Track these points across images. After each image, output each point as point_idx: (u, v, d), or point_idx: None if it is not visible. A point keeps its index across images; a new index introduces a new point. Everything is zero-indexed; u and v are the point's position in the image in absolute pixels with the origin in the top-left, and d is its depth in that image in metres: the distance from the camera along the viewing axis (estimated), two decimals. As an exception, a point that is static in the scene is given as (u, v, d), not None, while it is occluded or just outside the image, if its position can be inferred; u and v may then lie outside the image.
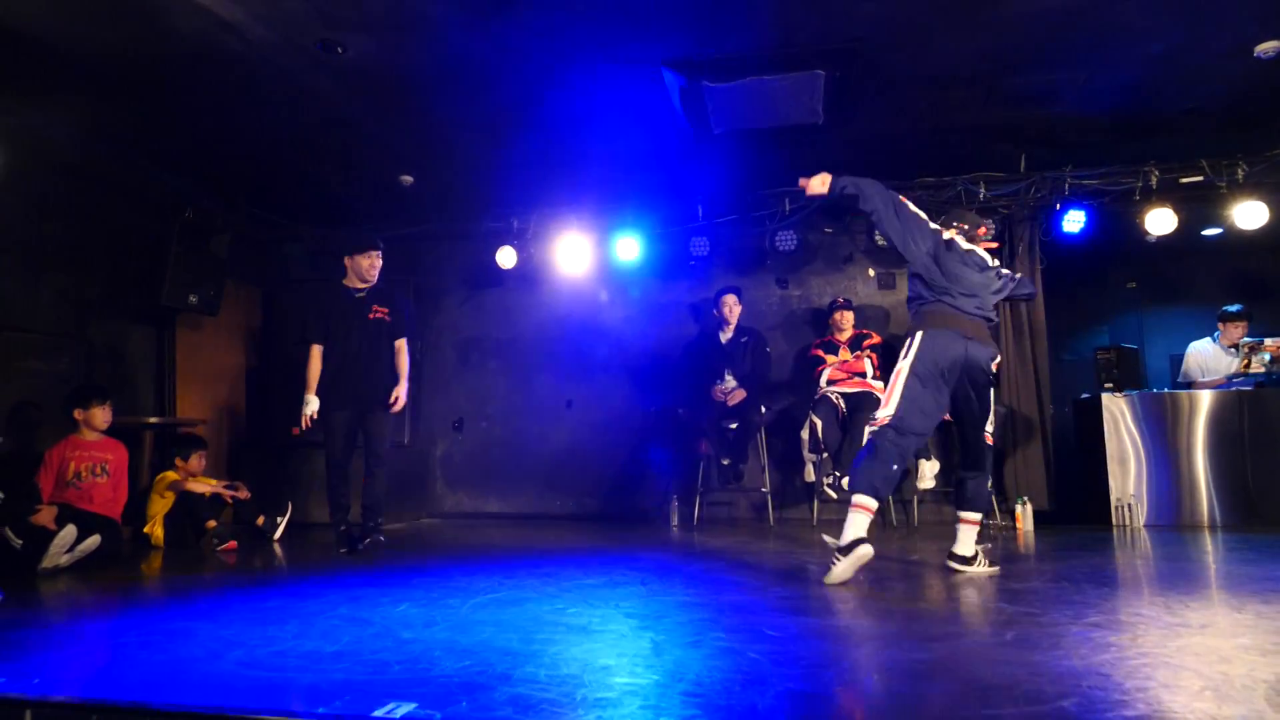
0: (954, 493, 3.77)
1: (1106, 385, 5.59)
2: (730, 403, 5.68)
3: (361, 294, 4.56)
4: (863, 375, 5.67)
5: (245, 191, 6.08)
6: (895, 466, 3.32)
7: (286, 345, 6.24)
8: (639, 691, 1.85)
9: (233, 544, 4.76)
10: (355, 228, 4.76)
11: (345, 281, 4.59)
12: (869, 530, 3.30)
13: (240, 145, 5.22)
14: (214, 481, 5.14)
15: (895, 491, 5.80)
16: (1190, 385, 5.80)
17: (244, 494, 5.13)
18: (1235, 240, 5.98)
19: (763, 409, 5.77)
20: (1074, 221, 5.64)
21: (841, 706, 1.82)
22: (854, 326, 5.88)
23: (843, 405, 5.56)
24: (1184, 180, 5.55)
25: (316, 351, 4.47)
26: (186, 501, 4.89)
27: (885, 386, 3.45)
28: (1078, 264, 6.32)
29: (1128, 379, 5.61)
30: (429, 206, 6.40)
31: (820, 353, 5.87)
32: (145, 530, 4.92)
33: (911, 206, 3.51)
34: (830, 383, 5.70)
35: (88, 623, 2.92)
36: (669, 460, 6.41)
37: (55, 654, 2.34)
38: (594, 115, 4.84)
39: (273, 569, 4.18)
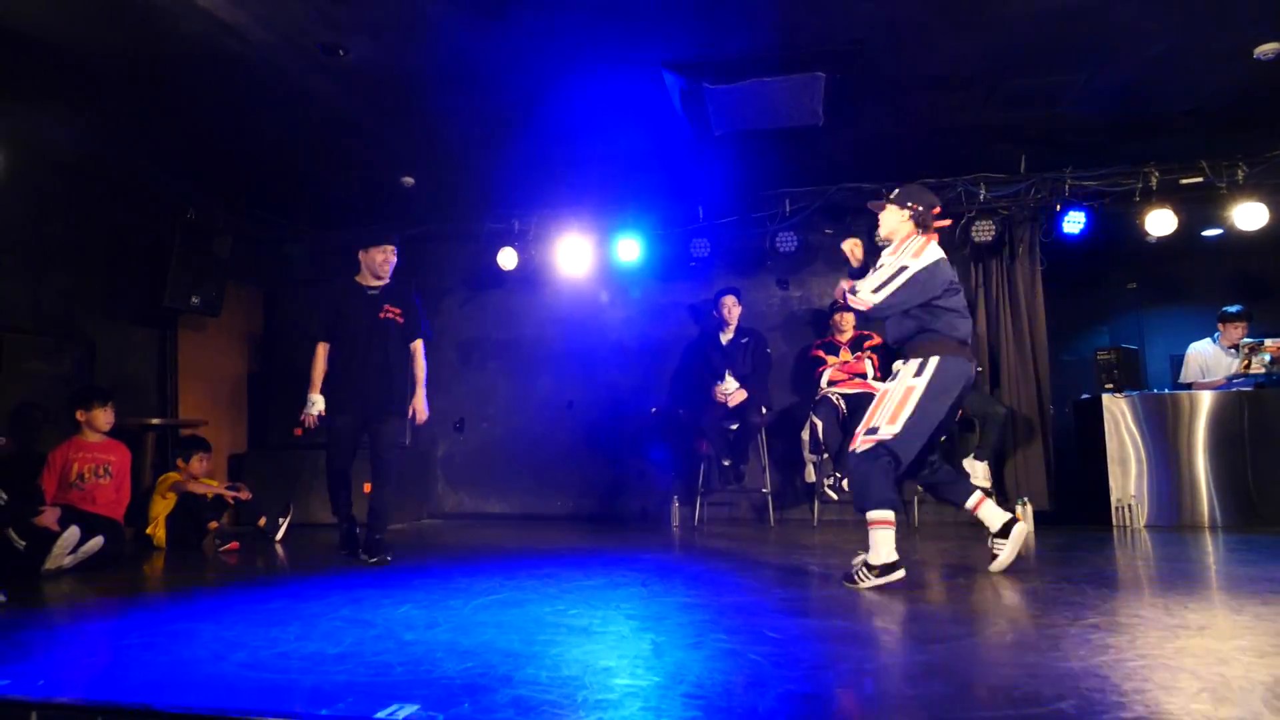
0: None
1: (1107, 386, 5.60)
2: (731, 404, 5.69)
3: (374, 292, 4.34)
4: (863, 376, 5.68)
5: (247, 193, 6.09)
6: (894, 481, 3.26)
7: (288, 346, 6.26)
8: (640, 693, 1.86)
9: (235, 545, 4.77)
10: (368, 222, 4.54)
11: (358, 278, 4.36)
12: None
13: (242, 147, 5.23)
14: (216, 483, 5.16)
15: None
16: (1190, 386, 5.81)
17: (245, 495, 5.15)
18: (1235, 241, 5.99)
19: (763, 410, 5.78)
20: (1074, 222, 5.65)
21: (841, 708, 1.83)
22: (855, 327, 5.89)
23: (843, 406, 5.57)
24: (1184, 181, 5.57)
25: (322, 349, 4.25)
26: (189, 502, 4.90)
27: (884, 388, 3.38)
28: (1078, 265, 6.32)
29: (1128, 380, 5.62)
30: (430, 208, 6.41)
31: (821, 353, 5.88)
32: (147, 531, 4.93)
33: (914, 271, 3.28)
34: (831, 383, 5.70)
35: (91, 624, 2.93)
36: (670, 461, 6.42)
37: (59, 655, 2.35)
38: (595, 117, 4.85)
39: (275, 570, 4.20)
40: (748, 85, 4.33)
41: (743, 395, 5.68)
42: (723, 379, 5.75)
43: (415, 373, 4.38)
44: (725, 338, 5.95)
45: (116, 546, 4.21)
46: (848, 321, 5.86)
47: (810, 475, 5.70)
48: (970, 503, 3.50)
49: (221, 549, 4.71)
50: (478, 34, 3.89)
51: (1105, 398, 5.55)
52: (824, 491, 5.42)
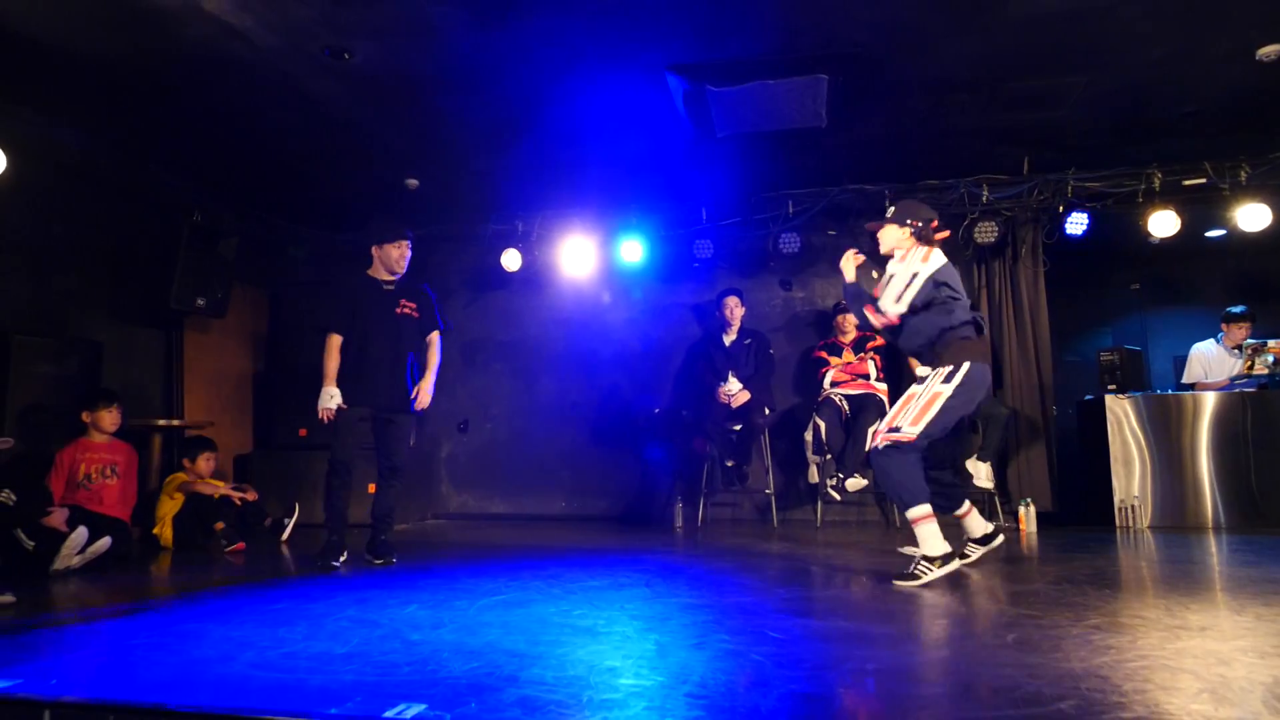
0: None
1: (1110, 387, 5.61)
2: (734, 404, 5.71)
3: (390, 286, 4.25)
4: (866, 377, 5.70)
5: (252, 195, 6.12)
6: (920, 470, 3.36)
7: (294, 348, 6.29)
8: (644, 693, 1.88)
9: (241, 545, 4.80)
10: (378, 221, 4.41)
11: (370, 272, 4.28)
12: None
13: (248, 150, 5.26)
14: (222, 483, 5.19)
15: (898, 493, 5.86)
16: (1193, 387, 5.81)
17: (251, 495, 5.18)
18: (1238, 242, 5.99)
19: (766, 410, 5.80)
20: (1077, 224, 5.66)
21: (843, 708, 1.84)
22: (857, 328, 5.90)
23: (846, 407, 5.59)
24: (1187, 182, 5.57)
25: (336, 342, 4.11)
26: (195, 503, 4.93)
27: (911, 390, 3.41)
28: (1081, 266, 6.33)
29: (1131, 381, 5.63)
30: (434, 209, 6.43)
31: (824, 354, 5.89)
32: (154, 531, 4.96)
33: (924, 277, 3.40)
34: (834, 384, 5.72)
35: (101, 624, 2.96)
36: (673, 462, 6.44)
37: (70, 655, 2.38)
38: (598, 119, 4.87)
39: (281, 570, 4.22)
40: (751, 87, 4.34)
41: (746, 396, 5.69)
42: (726, 380, 5.77)
43: (429, 360, 4.31)
44: (728, 339, 5.97)
45: (124, 547, 4.24)
46: (850, 323, 5.87)
47: (813, 476, 5.71)
48: (960, 510, 3.66)
49: (228, 549, 4.74)
50: (482, 37, 3.91)
51: (1108, 398, 5.56)
52: (827, 492, 5.44)
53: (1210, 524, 5.32)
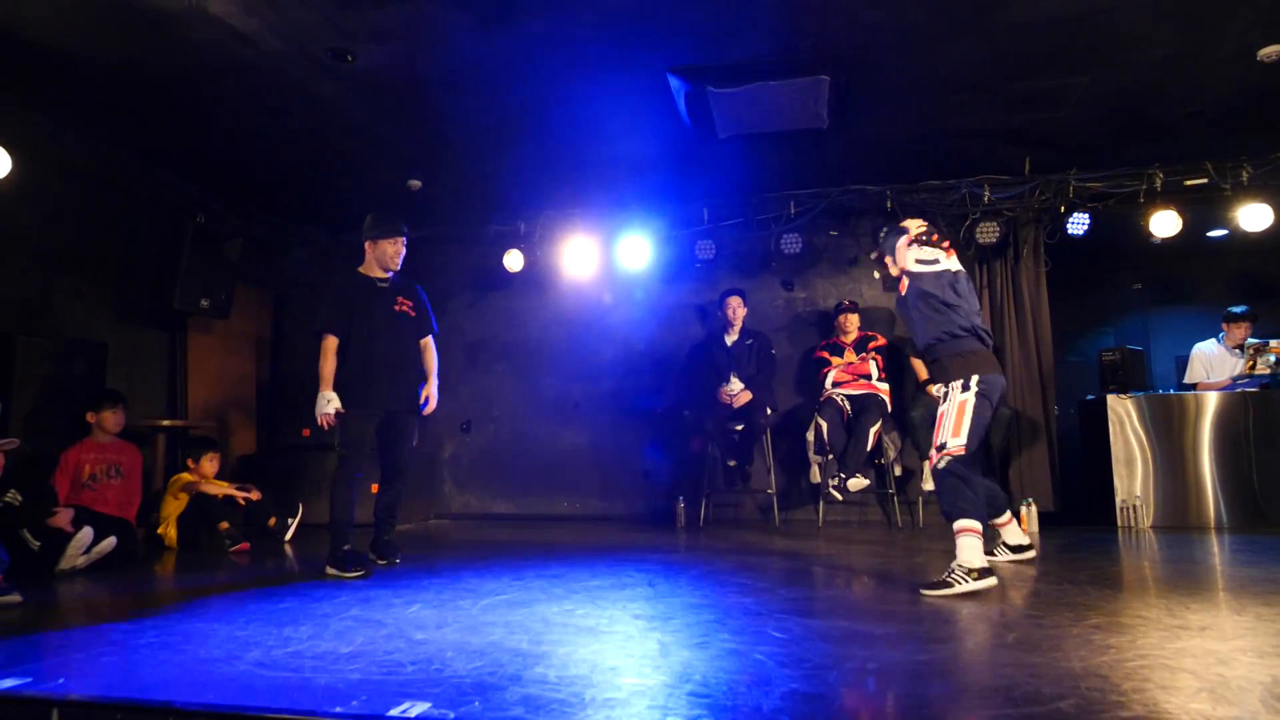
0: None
1: (1111, 387, 5.62)
2: (736, 405, 5.72)
3: (384, 284, 4.09)
4: (868, 377, 5.71)
5: (256, 197, 6.14)
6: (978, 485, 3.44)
7: (298, 348, 6.30)
8: (646, 692, 1.90)
9: (245, 545, 4.82)
10: (377, 211, 4.23)
11: (363, 270, 4.11)
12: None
13: (251, 151, 5.28)
14: (226, 484, 5.21)
15: (901, 493, 5.90)
16: (1195, 387, 5.82)
17: (255, 495, 5.20)
18: (1240, 242, 6.00)
19: (768, 411, 5.81)
20: (1078, 224, 5.66)
21: (844, 707, 1.86)
22: (859, 328, 5.91)
23: (848, 407, 5.60)
24: (1188, 183, 5.57)
25: (332, 344, 3.93)
26: (199, 503, 4.95)
27: (940, 410, 3.45)
28: (1083, 266, 6.34)
29: (1132, 381, 5.63)
30: (437, 210, 6.45)
31: (825, 355, 5.91)
32: (159, 532, 4.98)
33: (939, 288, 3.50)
34: (835, 384, 5.73)
35: (107, 624, 2.98)
36: (675, 462, 6.46)
37: (77, 654, 2.40)
38: (600, 120, 4.88)
39: (285, 570, 4.24)
40: (752, 89, 4.36)
41: (747, 396, 5.71)
42: (727, 380, 5.78)
43: (428, 364, 4.22)
44: (730, 339, 5.98)
45: (129, 547, 4.26)
46: (852, 323, 5.89)
47: (815, 476, 5.73)
48: (1000, 519, 3.85)
49: (232, 549, 4.76)
50: (485, 39, 3.93)
51: (1110, 398, 5.57)
52: (829, 492, 5.45)
53: (1212, 524, 5.33)
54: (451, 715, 1.71)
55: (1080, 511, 5.79)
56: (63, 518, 4.02)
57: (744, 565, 3.98)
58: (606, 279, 6.64)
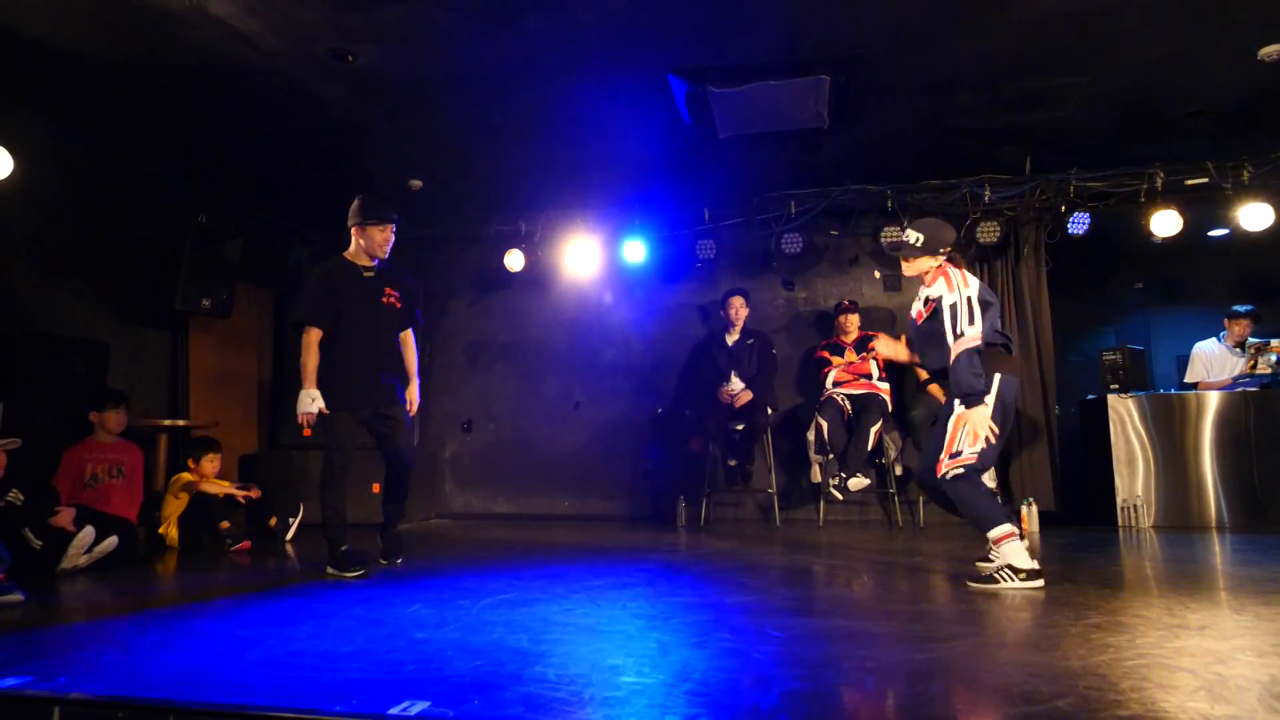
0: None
1: (1112, 386, 5.61)
2: (736, 404, 5.72)
3: (370, 273, 3.89)
4: (869, 377, 5.71)
5: (257, 196, 6.15)
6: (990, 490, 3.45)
7: (298, 347, 6.30)
8: (645, 691, 1.90)
9: (247, 544, 4.83)
10: (366, 196, 4.02)
11: (348, 256, 3.90)
12: None
13: (253, 151, 5.29)
14: (227, 483, 5.21)
15: (902, 492, 5.90)
16: (1196, 386, 5.82)
17: (256, 495, 5.21)
18: (1242, 241, 5.99)
19: (769, 410, 5.81)
20: (1079, 223, 5.66)
21: (842, 706, 1.86)
22: (859, 328, 5.91)
23: (848, 407, 5.60)
24: (1189, 182, 5.57)
25: (315, 336, 3.72)
26: (200, 503, 4.96)
27: (958, 412, 3.37)
28: (1083, 265, 6.33)
29: (1133, 380, 5.63)
30: (437, 210, 6.46)
31: (826, 354, 5.91)
32: (160, 531, 4.99)
33: (975, 297, 3.41)
34: (836, 384, 5.74)
35: (108, 622, 2.99)
36: (676, 461, 6.46)
37: (79, 653, 2.40)
38: (601, 120, 4.89)
39: (286, 570, 4.25)
40: (753, 88, 4.36)
41: (748, 396, 5.71)
42: (728, 380, 5.79)
43: (408, 360, 4.00)
44: (731, 339, 5.98)
45: (130, 546, 4.26)
46: (852, 323, 5.89)
47: (816, 476, 5.73)
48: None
49: (233, 548, 4.77)
50: (486, 40, 3.94)
51: (1111, 398, 5.57)
52: (829, 492, 5.45)
53: (1214, 523, 5.33)
54: (451, 714, 1.71)
55: (1081, 511, 5.79)
56: (64, 517, 4.03)
57: (744, 565, 3.99)
58: (607, 279, 6.65)
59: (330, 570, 3.75)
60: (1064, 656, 2.13)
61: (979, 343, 3.33)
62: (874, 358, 5.75)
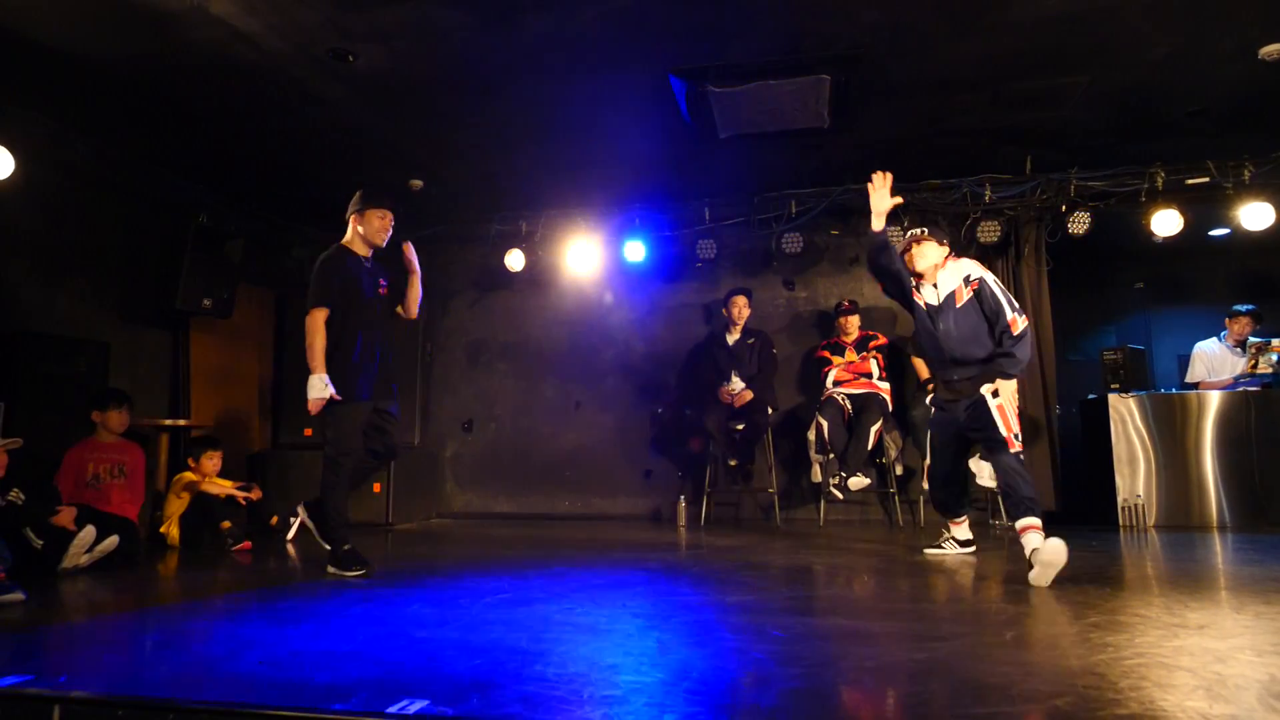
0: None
1: (1113, 386, 5.61)
2: (737, 404, 5.72)
3: (369, 263, 3.87)
4: (869, 376, 5.71)
5: (258, 196, 6.16)
6: None
7: (299, 347, 6.31)
8: (644, 689, 1.90)
9: (248, 544, 4.83)
10: (364, 185, 3.99)
11: (347, 244, 3.87)
12: None
13: (253, 151, 5.30)
14: (228, 483, 5.22)
15: (902, 492, 5.90)
16: (1197, 386, 5.81)
17: (256, 494, 5.21)
18: (1242, 240, 5.99)
19: (769, 410, 5.81)
20: (1080, 223, 5.66)
21: (841, 705, 1.86)
22: (860, 328, 5.91)
23: (849, 406, 5.60)
24: (1190, 182, 5.57)
25: (323, 317, 3.65)
26: (201, 502, 4.97)
27: (998, 402, 3.52)
28: (1084, 265, 6.33)
29: (1134, 380, 5.62)
30: (438, 210, 6.47)
31: (826, 354, 5.91)
32: (161, 530, 5.00)
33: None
34: (836, 384, 5.74)
35: (109, 622, 2.99)
36: (676, 461, 6.47)
37: (79, 652, 2.41)
38: (601, 120, 4.89)
39: (287, 569, 4.26)
40: (753, 88, 4.36)
41: (749, 395, 5.71)
42: (729, 379, 5.79)
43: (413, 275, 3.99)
44: (731, 338, 5.98)
45: (131, 546, 4.27)
46: (852, 323, 5.89)
47: (816, 475, 5.73)
48: (959, 519, 4.12)
49: (234, 548, 4.77)
50: (487, 40, 3.94)
51: (1112, 398, 5.56)
52: (829, 491, 5.46)
53: (1215, 523, 5.32)
54: (450, 712, 1.72)
55: (1082, 511, 5.78)
56: (65, 516, 4.03)
57: (745, 564, 3.99)
58: (608, 278, 6.65)
59: (331, 569, 3.75)
60: (1063, 655, 2.13)
61: (1028, 321, 3.55)
62: (875, 357, 5.75)
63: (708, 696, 1.85)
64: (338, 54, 4.04)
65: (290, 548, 4.96)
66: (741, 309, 5.98)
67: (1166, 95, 4.65)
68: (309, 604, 3.05)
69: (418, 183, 5.89)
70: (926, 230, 3.79)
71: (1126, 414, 5.53)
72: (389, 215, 3.91)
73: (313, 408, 3.61)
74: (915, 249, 3.77)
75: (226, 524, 4.89)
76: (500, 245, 6.50)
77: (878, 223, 3.73)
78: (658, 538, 5.23)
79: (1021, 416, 3.64)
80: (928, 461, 5.37)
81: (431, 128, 4.99)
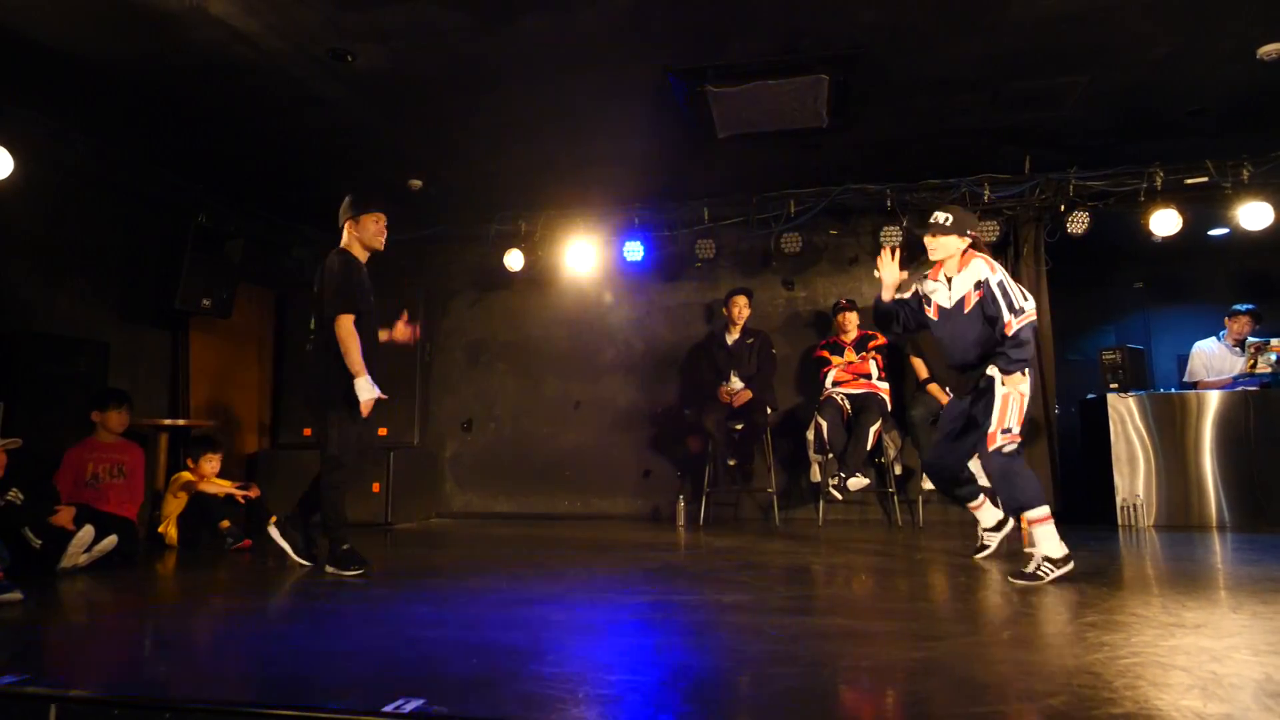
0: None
1: (1112, 386, 5.60)
2: (736, 404, 5.72)
3: (367, 268, 3.91)
4: (868, 376, 5.71)
5: (257, 196, 6.16)
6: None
7: (299, 347, 6.33)
8: (641, 689, 1.91)
9: (248, 543, 4.84)
10: (355, 189, 3.98)
11: (346, 247, 3.89)
12: None
13: (253, 151, 5.30)
14: (227, 483, 5.22)
15: (901, 492, 5.90)
16: (1196, 385, 5.81)
17: (255, 494, 5.21)
18: (1241, 240, 5.99)
19: (768, 410, 5.81)
20: (1079, 222, 5.66)
21: (837, 704, 1.86)
22: (859, 328, 5.91)
23: (848, 406, 5.60)
24: (1189, 181, 5.56)
25: (351, 322, 3.67)
26: (200, 502, 4.97)
27: (1004, 392, 3.48)
28: (1083, 265, 6.32)
29: (1133, 379, 5.62)
30: (438, 210, 6.47)
31: (825, 354, 5.91)
32: (159, 530, 5.00)
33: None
34: (835, 384, 5.73)
35: (107, 621, 3.00)
36: (675, 461, 6.47)
37: (77, 651, 2.41)
38: (600, 120, 4.89)
39: (285, 568, 4.25)
40: (751, 88, 4.36)
41: (748, 395, 5.71)
42: (728, 379, 5.79)
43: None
44: (731, 338, 5.98)
45: (130, 545, 4.27)
46: (851, 322, 5.89)
47: (815, 475, 5.73)
48: (974, 503, 3.89)
49: (234, 547, 4.78)
50: (485, 41, 3.94)
51: (1111, 397, 5.56)
52: (829, 491, 5.45)
53: (1214, 523, 5.32)
54: (445, 711, 1.72)
55: (1081, 511, 5.78)
56: (64, 516, 4.03)
57: (743, 564, 3.99)
58: (607, 278, 6.65)
59: (330, 569, 3.76)
60: (1059, 655, 2.14)
61: (1034, 317, 3.49)
62: (874, 357, 5.75)
63: (703, 696, 1.85)
64: (337, 54, 4.04)
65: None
66: (742, 309, 5.98)
67: (1165, 95, 4.64)
68: (307, 604, 3.05)
69: (417, 182, 5.89)
70: (950, 219, 3.64)
71: (1126, 414, 5.53)
72: (383, 218, 3.92)
73: (366, 409, 3.67)
74: (929, 241, 3.70)
75: (225, 523, 4.89)
76: (500, 245, 6.50)
77: (887, 294, 3.78)
78: (656, 537, 5.23)
79: (1025, 417, 3.60)
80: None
81: (431, 127, 5.00)
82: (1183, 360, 6.25)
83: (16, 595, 3.08)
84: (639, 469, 6.59)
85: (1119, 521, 5.41)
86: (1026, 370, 3.49)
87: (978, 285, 3.62)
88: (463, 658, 2.19)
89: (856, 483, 5.26)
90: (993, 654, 2.21)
